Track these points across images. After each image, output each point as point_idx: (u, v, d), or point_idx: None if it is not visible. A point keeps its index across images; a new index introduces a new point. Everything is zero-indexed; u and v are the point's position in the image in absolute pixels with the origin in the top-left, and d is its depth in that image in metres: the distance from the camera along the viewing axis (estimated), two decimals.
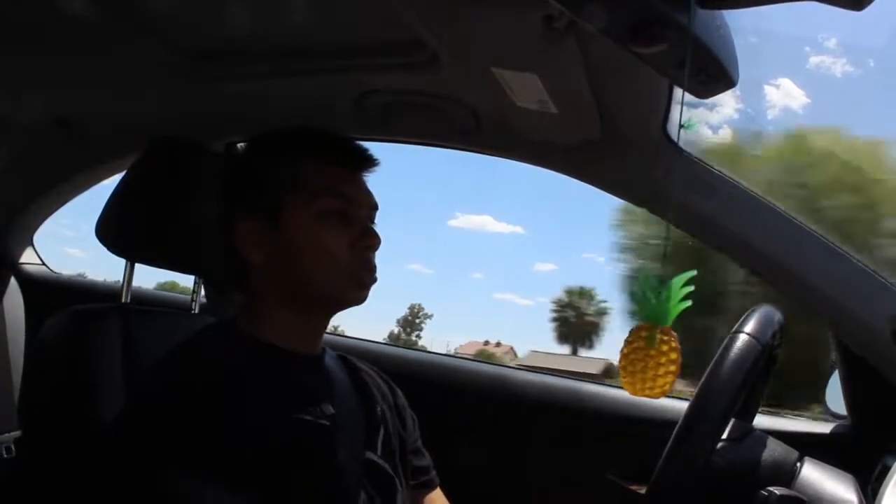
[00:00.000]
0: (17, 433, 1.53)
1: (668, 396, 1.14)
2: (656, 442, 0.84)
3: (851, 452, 1.03)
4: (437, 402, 1.28)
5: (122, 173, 1.18)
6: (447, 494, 1.07)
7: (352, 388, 0.96)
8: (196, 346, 0.88)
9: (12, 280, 1.72)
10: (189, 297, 1.35)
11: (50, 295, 1.79)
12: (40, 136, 1.58)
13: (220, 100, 1.36)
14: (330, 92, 1.27)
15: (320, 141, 0.92)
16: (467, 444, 1.44)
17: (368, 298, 0.91)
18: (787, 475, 0.88)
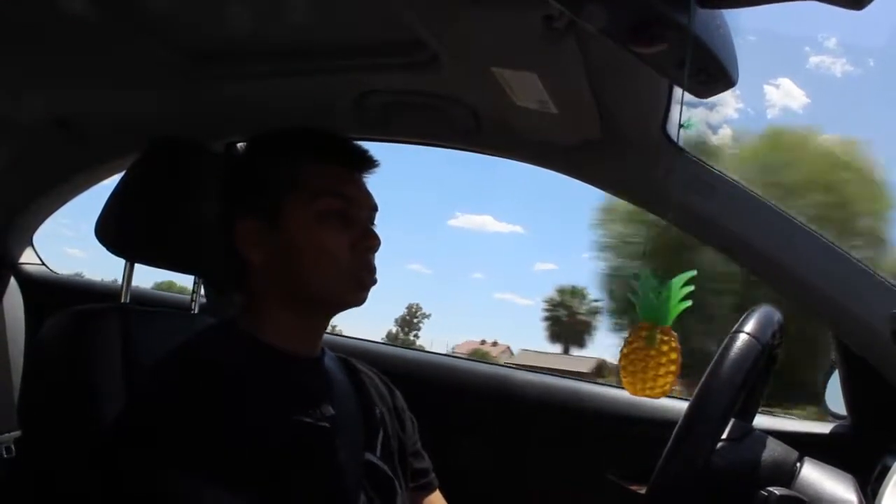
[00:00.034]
0: (16, 433, 1.53)
1: (668, 396, 1.14)
2: (656, 442, 0.84)
3: (851, 452, 1.03)
4: (437, 402, 1.28)
5: (122, 173, 1.18)
6: (447, 495, 1.07)
7: (351, 390, 0.96)
8: (196, 346, 0.88)
9: (12, 280, 1.72)
10: (188, 297, 1.35)
11: (50, 295, 1.79)
12: (40, 136, 1.58)
13: (220, 100, 1.36)
14: (330, 92, 1.27)
15: (320, 141, 0.92)
16: (467, 445, 1.44)
17: (367, 298, 0.91)
18: (787, 475, 0.88)
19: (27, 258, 1.88)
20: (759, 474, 0.87)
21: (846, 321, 1.16)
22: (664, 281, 0.73)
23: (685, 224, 1.22)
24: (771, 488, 0.82)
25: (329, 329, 0.97)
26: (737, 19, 0.76)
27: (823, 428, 1.34)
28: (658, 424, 1.08)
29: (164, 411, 0.76)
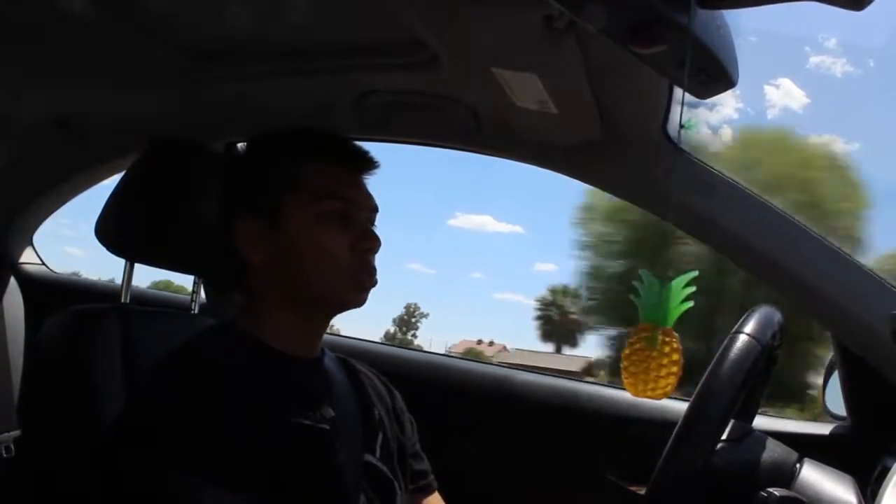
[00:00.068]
0: (16, 433, 1.53)
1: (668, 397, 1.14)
2: (656, 442, 0.84)
3: (851, 453, 1.03)
4: (436, 402, 1.28)
5: (122, 173, 1.18)
6: (447, 495, 1.07)
7: (351, 391, 0.96)
8: (196, 346, 0.87)
9: (12, 280, 1.72)
10: (188, 297, 1.35)
11: (50, 295, 1.79)
12: (40, 136, 1.58)
13: (220, 100, 1.36)
14: (330, 92, 1.27)
15: (320, 141, 0.92)
16: (467, 445, 1.44)
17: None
18: (787, 476, 0.88)
19: (27, 258, 1.88)
20: (759, 475, 0.87)
21: (846, 321, 1.16)
22: (665, 282, 0.73)
23: (685, 224, 1.22)
24: (771, 489, 0.82)
25: (327, 329, 0.97)
26: (737, 20, 0.76)
27: (823, 429, 1.34)
28: (658, 425, 1.08)
29: (164, 411, 0.76)
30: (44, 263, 1.93)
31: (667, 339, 0.72)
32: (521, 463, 1.47)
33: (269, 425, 0.79)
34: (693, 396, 0.83)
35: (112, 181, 1.58)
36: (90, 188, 1.72)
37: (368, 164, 0.93)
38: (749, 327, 0.85)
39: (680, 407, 1.23)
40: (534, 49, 0.90)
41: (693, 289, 0.72)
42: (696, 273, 0.73)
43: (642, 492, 0.84)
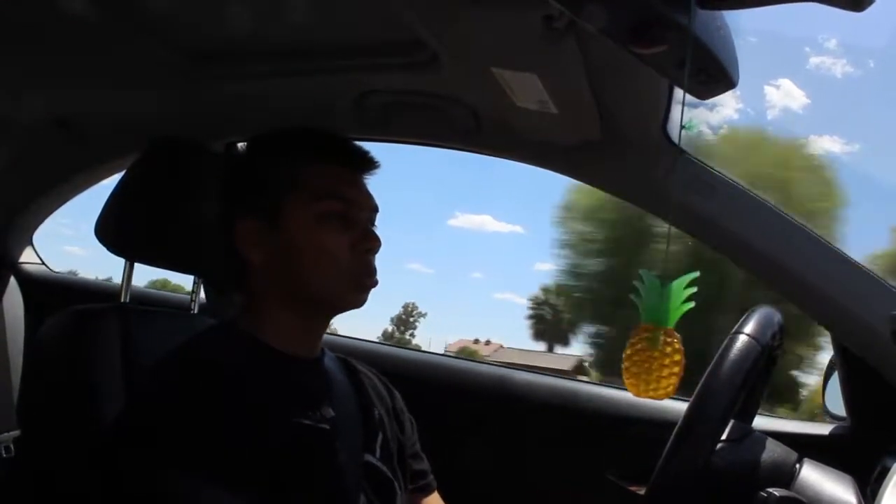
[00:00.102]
0: (16, 433, 1.53)
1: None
2: (656, 442, 0.84)
3: (851, 453, 1.03)
4: (436, 402, 1.28)
5: (122, 173, 1.18)
6: (447, 495, 1.07)
7: (351, 391, 0.96)
8: (196, 346, 0.87)
9: (12, 280, 1.72)
10: (188, 297, 1.35)
11: (49, 294, 1.79)
12: (40, 136, 1.58)
13: (220, 100, 1.36)
14: (330, 92, 1.27)
15: (320, 141, 0.92)
16: (467, 445, 1.44)
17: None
18: (787, 476, 0.88)
19: (27, 258, 1.88)
20: (759, 475, 0.87)
21: (846, 322, 1.16)
22: (665, 282, 0.72)
23: (685, 224, 1.22)
24: (770, 489, 0.82)
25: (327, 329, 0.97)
26: (737, 20, 0.76)
27: (823, 429, 1.34)
28: (658, 425, 1.08)
29: (164, 411, 0.76)
30: (44, 263, 1.93)
31: (668, 340, 0.72)
32: (521, 463, 1.47)
33: (269, 425, 0.79)
34: (693, 397, 0.83)
35: (112, 181, 1.58)
36: (90, 188, 1.72)
37: (368, 164, 0.93)
38: (749, 327, 0.85)
39: (680, 407, 1.23)
40: (534, 49, 0.90)
41: (695, 289, 0.72)
42: (696, 274, 0.72)
43: (642, 492, 0.84)
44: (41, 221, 1.84)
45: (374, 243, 0.89)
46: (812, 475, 0.88)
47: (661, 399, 0.75)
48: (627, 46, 0.68)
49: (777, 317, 0.89)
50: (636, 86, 1.03)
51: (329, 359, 0.96)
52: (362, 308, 0.91)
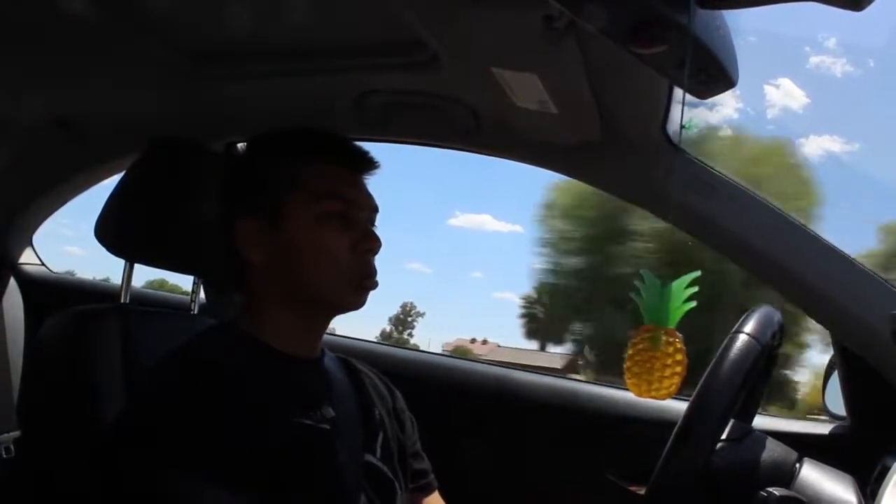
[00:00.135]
0: (16, 433, 1.53)
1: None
2: (656, 442, 0.84)
3: (851, 453, 1.03)
4: (437, 402, 1.28)
5: (122, 173, 1.18)
6: (447, 495, 1.07)
7: (351, 390, 0.96)
8: (196, 346, 0.87)
9: (12, 280, 1.72)
10: (188, 298, 1.35)
11: (49, 295, 1.79)
12: (40, 136, 1.58)
13: (220, 100, 1.36)
14: (330, 92, 1.27)
15: (321, 141, 0.92)
16: (467, 445, 1.44)
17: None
18: (787, 476, 0.88)
19: (27, 258, 1.88)
20: (759, 475, 0.87)
21: (846, 322, 1.16)
22: (666, 282, 0.73)
23: (685, 224, 1.22)
24: (770, 489, 0.82)
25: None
26: (737, 20, 0.76)
27: (823, 428, 1.34)
28: (657, 425, 1.08)
29: (164, 411, 0.76)
30: (43, 264, 1.93)
31: (670, 340, 0.72)
32: (521, 463, 1.47)
33: (269, 425, 0.79)
34: (693, 396, 0.83)
35: (112, 181, 1.59)
36: (90, 188, 1.72)
37: (369, 164, 0.93)
38: (749, 327, 0.85)
39: (680, 407, 1.23)
40: (534, 49, 0.90)
41: (696, 289, 0.72)
42: (698, 273, 0.72)
43: (642, 492, 0.84)
44: (41, 221, 1.84)
45: (374, 243, 0.89)
46: (812, 475, 0.88)
47: (664, 399, 0.75)
48: (627, 46, 0.68)
49: (777, 316, 0.89)
50: (636, 86, 1.03)
51: (329, 359, 0.96)
52: (363, 308, 0.91)
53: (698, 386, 0.83)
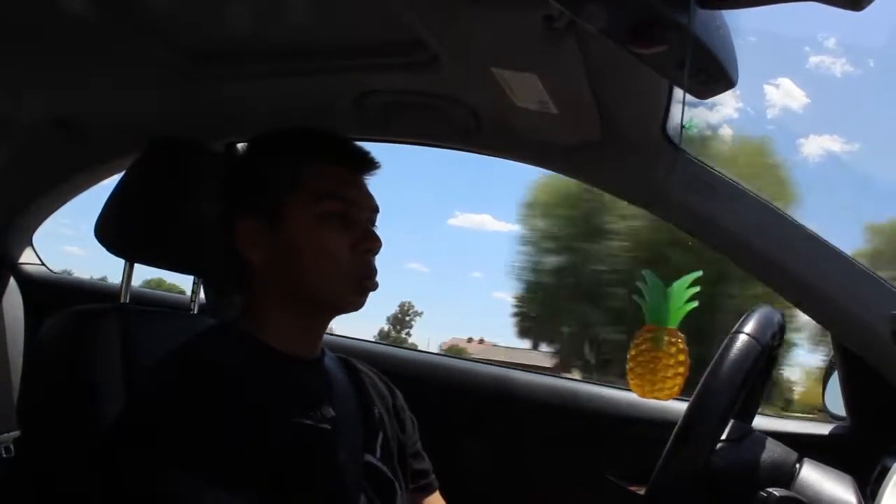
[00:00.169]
0: (16, 433, 1.53)
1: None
2: (656, 442, 0.84)
3: (850, 453, 1.03)
4: (437, 402, 1.28)
5: (122, 173, 1.18)
6: (447, 495, 1.07)
7: (351, 390, 0.96)
8: (196, 346, 0.87)
9: (12, 280, 1.72)
10: (188, 298, 1.35)
11: (49, 295, 1.78)
12: (40, 136, 1.58)
13: (220, 100, 1.36)
14: (330, 92, 1.27)
15: (321, 141, 0.92)
16: (467, 445, 1.44)
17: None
18: (787, 476, 0.88)
19: (27, 258, 1.88)
20: (759, 475, 0.87)
21: (846, 322, 1.16)
22: (667, 283, 0.72)
23: (685, 224, 1.22)
24: (770, 489, 0.82)
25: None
26: (737, 20, 0.76)
27: (823, 429, 1.34)
28: (657, 425, 1.08)
29: (164, 411, 0.76)
30: (43, 264, 1.93)
31: (673, 340, 0.72)
32: (521, 463, 1.47)
33: (269, 425, 0.79)
34: (693, 396, 0.83)
35: (112, 181, 1.58)
36: (90, 188, 1.72)
37: (369, 164, 0.93)
38: (749, 327, 0.85)
39: (680, 407, 1.23)
40: (534, 49, 0.90)
41: (697, 289, 0.72)
42: (699, 273, 0.72)
43: (642, 492, 0.84)
44: (41, 221, 1.84)
45: (374, 243, 0.89)
46: (812, 475, 0.88)
47: (667, 399, 0.75)
48: (627, 46, 0.68)
49: (777, 316, 0.89)
50: (636, 86, 1.02)
51: (329, 358, 0.96)
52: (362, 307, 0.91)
53: (698, 386, 0.83)
